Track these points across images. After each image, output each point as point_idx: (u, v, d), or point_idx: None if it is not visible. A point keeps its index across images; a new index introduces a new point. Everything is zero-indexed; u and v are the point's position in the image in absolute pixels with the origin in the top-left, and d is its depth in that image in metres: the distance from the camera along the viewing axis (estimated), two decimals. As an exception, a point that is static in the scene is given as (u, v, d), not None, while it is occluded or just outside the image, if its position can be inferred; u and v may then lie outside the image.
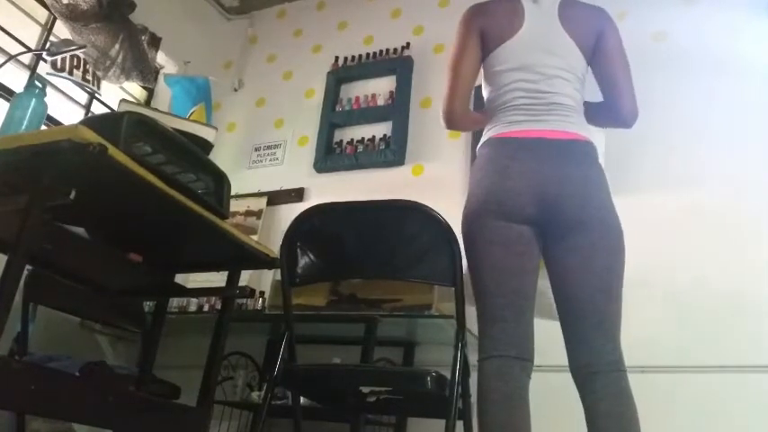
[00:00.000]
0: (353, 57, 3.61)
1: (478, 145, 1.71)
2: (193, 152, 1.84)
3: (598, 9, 1.77)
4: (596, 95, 1.78)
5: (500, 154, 1.61)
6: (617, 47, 1.75)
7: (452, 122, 1.79)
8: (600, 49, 1.73)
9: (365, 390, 1.56)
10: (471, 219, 1.60)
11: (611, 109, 1.77)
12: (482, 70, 1.78)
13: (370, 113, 3.41)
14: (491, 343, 1.51)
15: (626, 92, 1.76)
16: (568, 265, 1.55)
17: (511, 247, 1.54)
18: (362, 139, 3.36)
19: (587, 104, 1.75)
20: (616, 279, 1.55)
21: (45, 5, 3.09)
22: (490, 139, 1.66)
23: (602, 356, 1.48)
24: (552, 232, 1.57)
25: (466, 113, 1.78)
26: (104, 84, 3.30)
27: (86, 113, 3.33)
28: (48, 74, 3.02)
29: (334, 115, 3.50)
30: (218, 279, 2.33)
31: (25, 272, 1.62)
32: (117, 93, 3.51)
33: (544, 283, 1.63)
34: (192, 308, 2.93)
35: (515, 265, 1.54)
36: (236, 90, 3.98)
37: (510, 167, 1.57)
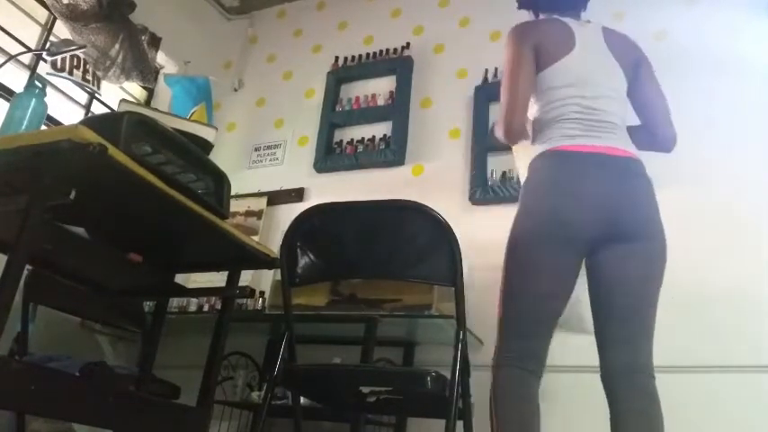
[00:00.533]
0: (353, 57, 3.61)
1: (537, 154, 1.70)
2: (193, 152, 1.84)
3: (633, 41, 1.88)
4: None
5: (562, 169, 1.64)
6: (653, 75, 1.85)
7: (513, 136, 1.75)
8: (638, 77, 1.82)
9: (365, 390, 1.56)
10: (529, 238, 1.63)
11: (650, 133, 1.83)
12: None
13: (370, 113, 3.42)
14: (515, 355, 1.58)
15: (667, 119, 1.84)
16: (620, 271, 1.61)
17: (558, 277, 1.61)
18: (362, 139, 3.36)
19: (628, 128, 1.79)
20: (658, 288, 1.63)
21: (45, 5, 3.09)
22: (548, 152, 1.67)
23: (640, 360, 1.56)
24: (606, 243, 1.61)
25: (525, 127, 1.76)
26: (104, 84, 3.30)
27: (86, 113, 3.33)
28: (48, 74, 3.02)
29: (334, 115, 3.50)
30: (218, 279, 2.33)
31: (25, 272, 1.62)
32: (117, 93, 3.51)
33: (581, 294, 1.67)
34: (192, 308, 2.93)
35: (552, 291, 1.61)
36: (236, 90, 3.98)
37: (573, 186, 1.61)
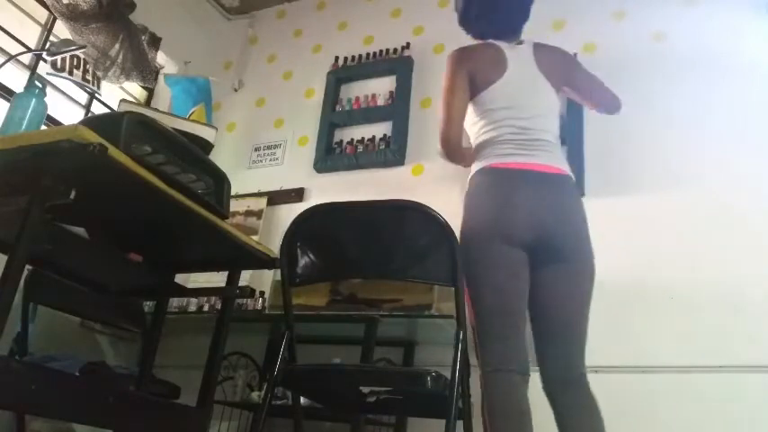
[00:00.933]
0: (353, 57, 3.61)
1: (471, 173, 1.84)
2: (193, 152, 1.84)
3: (564, 53, 2.02)
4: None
5: (501, 183, 1.75)
6: (582, 72, 2.04)
7: (449, 149, 1.89)
8: (572, 81, 2.01)
9: (365, 390, 1.56)
10: (476, 241, 1.71)
11: (597, 102, 2.09)
12: (469, 109, 1.92)
13: (370, 113, 3.41)
14: (497, 357, 1.64)
15: (601, 88, 2.04)
16: (555, 290, 1.73)
17: (511, 270, 1.69)
18: (362, 139, 3.36)
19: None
20: (589, 302, 1.76)
21: (45, 5, 3.09)
22: (486, 168, 1.79)
23: (574, 369, 1.69)
24: (541, 257, 1.72)
25: (460, 142, 1.90)
26: (104, 84, 3.30)
27: (86, 113, 3.33)
28: (48, 74, 3.02)
29: (334, 115, 3.50)
30: (218, 279, 2.33)
31: (25, 272, 1.62)
32: (117, 93, 3.51)
33: None
34: (192, 308, 2.93)
35: (515, 288, 1.69)
36: (236, 90, 3.98)
37: (513, 196, 1.72)
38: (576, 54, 2.85)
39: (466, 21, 2.06)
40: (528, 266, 1.72)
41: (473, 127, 1.92)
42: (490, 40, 1.96)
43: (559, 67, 1.96)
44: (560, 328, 1.72)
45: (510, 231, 1.68)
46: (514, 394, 1.60)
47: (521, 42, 1.97)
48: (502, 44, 1.93)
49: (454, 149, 1.89)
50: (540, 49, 1.95)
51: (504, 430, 1.55)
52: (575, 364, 1.70)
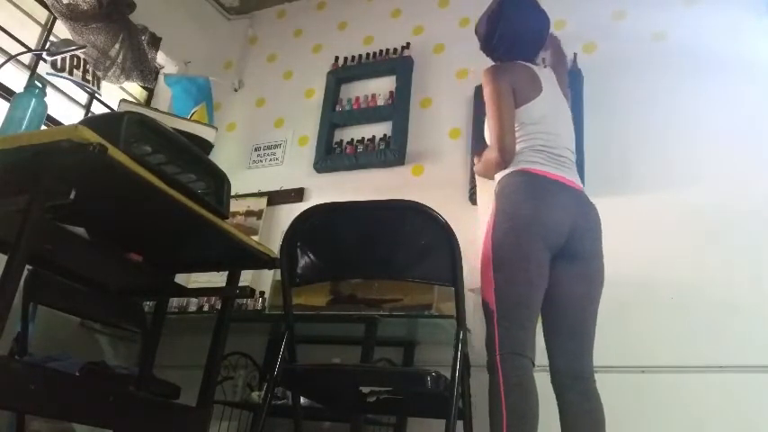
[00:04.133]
0: (353, 57, 3.61)
1: (508, 172, 1.89)
2: (193, 152, 1.84)
3: (565, 61, 2.28)
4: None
5: (539, 186, 1.83)
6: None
7: (508, 154, 1.89)
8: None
9: (365, 390, 1.56)
10: (518, 235, 1.77)
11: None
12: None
13: (370, 113, 3.41)
14: (516, 342, 1.69)
15: None
16: (574, 292, 1.83)
17: (541, 270, 1.77)
18: (362, 139, 3.36)
19: None
20: (598, 305, 1.86)
21: (45, 5, 3.09)
22: (524, 171, 1.86)
23: (584, 367, 1.78)
24: (565, 257, 1.82)
25: (515, 146, 1.92)
26: (104, 84, 3.30)
27: (86, 113, 3.33)
28: (48, 74, 3.02)
29: (334, 115, 3.49)
30: (218, 279, 2.33)
31: (25, 272, 1.62)
32: (117, 93, 3.51)
33: None
34: (192, 308, 2.93)
35: (540, 285, 1.77)
36: (236, 90, 3.98)
37: (552, 201, 1.81)
38: (575, 54, 2.87)
39: (489, 47, 2.14)
40: (549, 268, 1.80)
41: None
42: (520, 61, 2.03)
43: (566, 82, 2.19)
44: (574, 324, 1.81)
45: (549, 234, 1.77)
46: (530, 376, 1.66)
47: (544, 65, 2.14)
48: (533, 66, 2.04)
49: (512, 153, 1.89)
50: (555, 70, 2.13)
51: (522, 412, 1.58)
52: (584, 362, 1.78)
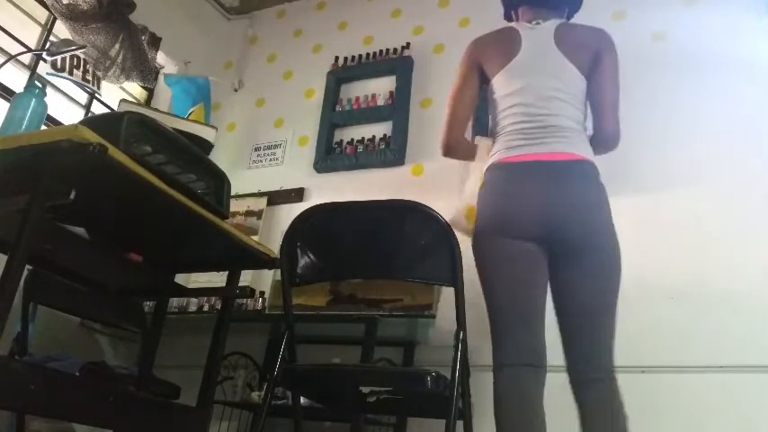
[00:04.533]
0: (353, 57, 3.61)
1: (485, 168, 1.81)
2: (193, 152, 1.84)
3: (598, 30, 1.85)
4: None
5: (501, 178, 1.73)
6: (610, 68, 1.82)
7: (448, 150, 1.94)
8: (594, 69, 1.80)
9: (365, 390, 1.56)
10: (481, 237, 1.71)
11: (595, 128, 1.85)
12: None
13: (370, 113, 3.41)
14: (503, 354, 1.63)
15: (610, 112, 1.82)
16: (575, 287, 1.67)
17: (518, 262, 1.66)
18: (362, 139, 3.36)
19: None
20: (614, 297, 1.67)
21: (45, 5, 3.09)
22: (492, 165, 1.77)
23: (600, 366, 1.62)
24: (558, 252, 1.67)
25: (462, 142, 1.93)
26: (104, 84, 3.30)
27: (86, 113, 3.33)
28: (48, 74, 3.02)
29: (334, 115, 3.49)
30: (218, 279, 2.33)
31: (25, 272, 1.62)
32: (117, 93, 3.50)
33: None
34: (192, 308, 2.93)
35: (523, 279, 1.66)
36: (236, 90, 3.98)
37: (510, 191, 1.69)
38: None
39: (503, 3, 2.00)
40: (544, 257, 1.68)
41: (489, 115, 1.91)
42: (511, 24, 1.90)
43: (588, 48, 1.80)
44: (582, 324, 1.66)
45: (512, 228, 1.65)
46: (521, 389, 1.58)
47: (540, 22, 1.85)
48: (521, 26, 1.87)
49: (454, 152, 1.93)
50: (565, 27, 1.83)
51: (504, 421, 1.54)
52: (599, 361, 1.63)
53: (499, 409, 1.57)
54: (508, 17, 2.03)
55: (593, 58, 1.80)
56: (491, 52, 1.84)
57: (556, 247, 1.67)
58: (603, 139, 1.84)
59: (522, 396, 1.57)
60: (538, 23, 1.85)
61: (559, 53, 1.78)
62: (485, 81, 1.87)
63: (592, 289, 1.66)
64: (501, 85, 1.81)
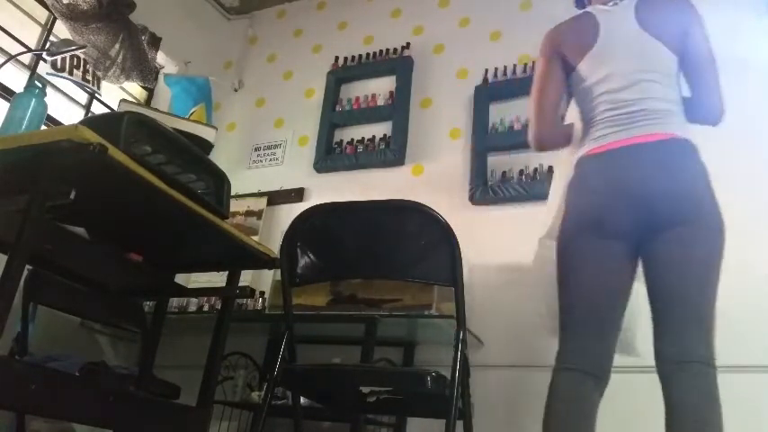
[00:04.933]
0: (353, 57, 3.61)
1: (573, 162, 1.74)
2: (193, 152, 1.84)
3: (680, 2, 1.75)
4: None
5: (591, 172, 1.66)
6: (702, 40, 1.73)
7: (541, 144, 1.84)
8: (686, 45, 1.71)
9: (365, 390, 1.56)
10: (568, 238, 1.67)
11: (698, 104, 1.72)
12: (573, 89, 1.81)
13: (370, 113, 3.41)
14: (566, 356, 1.59)
15: (710, 85, 1.72)
16: (665, 257, 1.56)
17: (603, 265, 1.60)
18: (362, 139, 3.36)
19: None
20: (713, 273, 1.54)
21: (45, 5, 3.09)
22: (580, 159, 1.71)
23: (692, 349, 1.47)
24: (650, 231, 1.57)
25: (555, 134, 1.83)
26: (104, 84, 3.30)
27: (86, 113, 3.33)
28: (48, 74, 3.02)
29: (334, 115, 3.50)
30: (218, 279, 2.33)
31: (25, 272, 1.62)
32: (117, 93, 3.51)
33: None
34: (192, 308, 2.93)
35: (603, 284, 1.60)
36: (236, 90, 3.98)
37: (598, 184, 1.63)
38: None
39: None
40: (631, 258, 1.61)
41: (575, 109, 1.82)
42: (587, 9, 1.81)
43: (674, 23, 1.71)
44: (673, 300, 1.53)
45: (604, 224, 1.59)
46: (578, 392, 1.52)
47: (617, 2, 1.75)
48: (597, 9, 1.77)
49: (550, 145, 1.83)
50: (644, 4, 1.72)
51: (555, 423, 1.50)
52: (690, 346, 1.47)
53: (549, 411, 1.53)
54: (580, 4, 1.93)
55: (682, 32, 1.71)
56: (570, 41, 1.76)
57: (650, 225, 1.56)
58: (703, 114, 1.73)
59: (577, 402, 1.52)
60: (615, 4, 1.76)
61: (642, 32, 1.69)
62: (568, 71, 1.78)
63: (687, 259, 1.53)
64: (585, 73, 1.73)
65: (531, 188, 2.79)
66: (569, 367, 1.57)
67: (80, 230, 1.75)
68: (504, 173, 2.92)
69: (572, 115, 1.88)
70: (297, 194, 3.38)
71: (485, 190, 2.90)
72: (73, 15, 3.04)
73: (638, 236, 1.59)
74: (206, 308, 2.90)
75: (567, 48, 1.76)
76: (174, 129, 1.88)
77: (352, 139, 3.39)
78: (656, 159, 1.59)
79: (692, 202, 1.56)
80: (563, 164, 1.86)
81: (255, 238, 3.05)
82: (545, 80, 1.79)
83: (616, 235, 1.59)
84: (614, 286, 1.62)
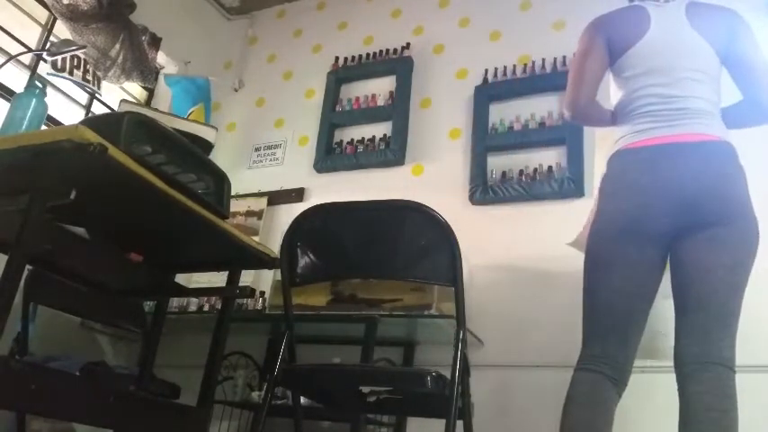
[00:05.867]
0: (353, 57, 3.61)
1: (609, 155, 1.71)
2: (194, 152, 1.84)
3: (728, 10, 1.77)
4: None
5: (630, 167, 1.63)
6: (750, 42, 1.74)
7: (577, 111, 1.77)
8: (733, 48, 1.72)
9: (365, 390, 1.56)
10: (601, 238, 1.63)
11: (754, 104, 1.73)
12: (611, 79, 1.79)
13: (370, 113, 3.42)
14: (590, 359, 1.59)
15: (765, 82, 1.71)
16: (697, 254, 1.54)
17: (635, 270, 1.58)
18: (362, 139, 3.36)
19: (724, 109, 1.72)
20: (743, 275, 1.54)
21: (45, 5, 3.09)
22: (619, 152, 1.67)
23: (715, 350, 1.48)
24: (686, 229, 1.56)
25: (592, 104, 1.76)
26: (105, 84, 3.30)
27: (87, 114, 3.33)
28: (48, 74, 3.02)
29: (334, 115, 3.50)
30: (218, 279, 2.33)
31: (25, 272, 1.62)
32: (117, 93, 3.51)
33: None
34: (192, 308, 2.93)
35: (633, 289, 1.59)
36: (236, 90, 3.98)
37: (642, 181, 1.59)
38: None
39: None
40: (661, 263, 1.60)
41: (614, 99, 1.79)
42: (636, 2, 1.78)
43: (721, 26, 1.72)
44: (698, 299, 1.52)
45: (642, 224, 1.57)
46: (597, 394, 1.53)
47: (669, 0, 1.75)
48: (648, 4, 1.75)
49: (583, 111, 1.76)
50: (696, 6, 1.73)
51: (572, 424, 1.51)
52: (712, 348, 1.48)
53: (568, 412, 1.53)
54: None
55: (728, 37, 1.72)
56: (619, 30, 1.73)
57: (688, 223, 1.54)
58: (760, 113, 1.74)
59: (596, 401, 1.53)
60: (666, 1, 1.75)
61: (693, 31, 1.69)
62: (613, 58, 1.75)
63: (719, 260, 1.52)
64: (630, 64, 1.71)
65: (531, 188, 2.79)
66: (591, 368, 1.57)
67: (80, 230, 1.75)
68: (504, 173, 2.92)
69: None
70: (297, 194, 3.38)
71: (485, 190, 2.90)
72: (73, 16, 3.04)
73: (673, 237, 1.58)
74: (206, 308, 2.90)
75: (616, 34, 1.73)
76: (175, 129, 1.88)
77: (352, 139, 3.39)
78: (701, 159, 1.57)
79: (733, 203, 1.56)
80: (604, 141, 1.83)
81: (256, 238, 3.05)
82: (588, 55, 1.74)
83: (651, 236, 1.58)
84: (642, 292, 1.60)
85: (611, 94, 1.81)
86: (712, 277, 1.52)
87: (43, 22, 3.21)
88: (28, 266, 1.82)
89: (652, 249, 1.59)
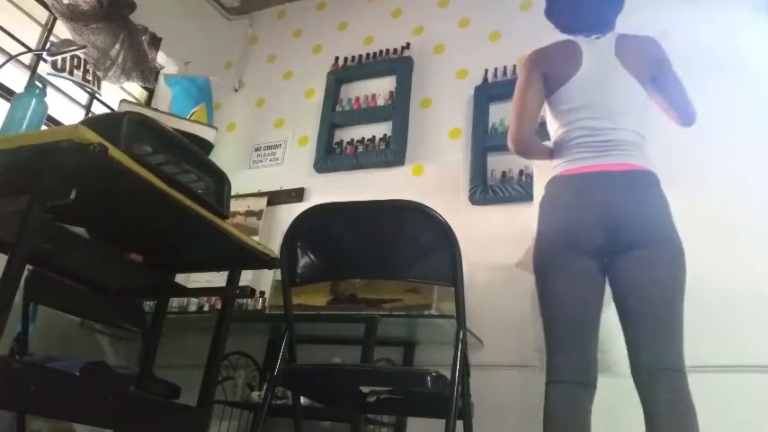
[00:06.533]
0: (353, 57, 3.61)
1: (546, 182, 1.85)
2: (194, 152, 1.84)
3: (651, 41, 1.93)
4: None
5: (566, 191, 1.78)
6: (670, 74, 1.92)
7: (521, 145, 1.90)
8: (656, 80, 1.90)
9: (365, 390, 1.56)
10: (543, 253, 1.77)
11: (679, 115, 1.97)
12: (547, 110, 1.92)
13: (370, 113, 3.42)
14: (557, 369, 1.68)
15: (683, 105, 1.94)
16: (631, 277, 1.69)
17: (577, 279, 1.71)
18: (362, 139, 3.36)
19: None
20: (676, 290, 1.66)
21: (45, 5, 3.09)
22: (555, 178, 1.82)
23: (662, 359, 1.60)
24: (618, 251, 1.70)
25: (533, 137, 1.91)
26: (105, 84, 3.30)
27: (87, 114, 3.33)
28: (48, 74, 3.02)
29: (334, 115, 3.50)
30: (218, 279, 2.33)
31: (25, 272, 1.62)
32: (117, 93, 3.51)
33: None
34: (192, 308, 2.93)
35: (580, 297, 1.71)
36: (236, 90, 3.98)
37: (576, 203, 1.74)
38: None
39: (551, 13, 2.00)
40: (601, 274, 1.73)
41: (550, 129, 1.93)
42: (569, 38, 1.91)
43: (646, 60, 1.88)
44: (643, 316, 1.65)
45: (577, 240, 1.71)
46: (572, 406, 1.63)
47: (600, 36, 1.88)
48: (580, 39, 1.89)
49: (527, 148, 1.90)
50: (624, 41, 1.87)
51: None
52: (660, 357, 1.60)
53: (549, 422, 1.62)
54: (567, 29, 2.01)
55: (654, 68, 1.88)
56: (554, 66, 1.86)
57: (615, 246, 1.69)
58: (685, 119, 1.98)
59: (572, 411, 1.62)
60: (598, 38, 1.89)
61: (620, 68, 1.83)
62: (547, 92, 1.89)
63: (651, 279, 1.66)
64: (565, 98, 1.85)
65: (531, 188, 2.78)
66: (561, 380, 1.66)
67: (80, 230, 1.75)
68: (504, 173, 2.92)
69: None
70: (297, 194, 3.38)
71: (485, 190, 2.90)
72: (73, 16, 3.04)
73: (606, 254, 1.72)
74: (206, 308, 2.90)
75: (550, 69, 1.87)
76: (175, 129, 1.88)
77: (353, 139, 3.39)
78: (625, 186, 1.73)
79: (654, 227, 1.70)
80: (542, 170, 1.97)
81: (255, 238, 3.05)
82: (527, 89, 1.88)
83: (585, 250, 1.71)
84: (591, 299, 1.72)
85: (548, 124, 1.94)
86: (647, 295, 1.66)
87: (43, 22, 3.21)
88: (28, 266, 1.83)
89: (589, 260, 1.72)
